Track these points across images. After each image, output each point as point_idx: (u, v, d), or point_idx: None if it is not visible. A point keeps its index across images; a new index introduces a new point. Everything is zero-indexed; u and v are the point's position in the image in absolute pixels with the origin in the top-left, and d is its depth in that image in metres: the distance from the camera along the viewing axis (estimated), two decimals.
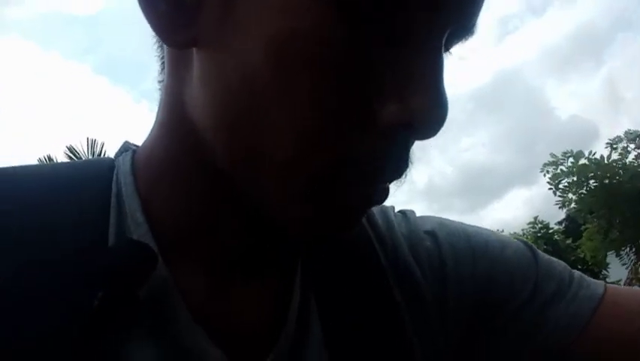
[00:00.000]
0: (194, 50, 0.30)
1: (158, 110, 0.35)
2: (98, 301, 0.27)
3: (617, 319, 0.40)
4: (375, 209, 0.43)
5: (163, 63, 0.34)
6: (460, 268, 0.41)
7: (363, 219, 0.40)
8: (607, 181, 12.87)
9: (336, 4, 0.25)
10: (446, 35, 0.28)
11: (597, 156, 13.27)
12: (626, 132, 13.37)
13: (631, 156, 13.10)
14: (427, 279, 0.41)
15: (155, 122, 0.35)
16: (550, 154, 13.16)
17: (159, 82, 0.35)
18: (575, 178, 13.29)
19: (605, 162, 13.28)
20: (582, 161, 13.12)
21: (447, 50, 0.30)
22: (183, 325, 0.31)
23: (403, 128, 0.27)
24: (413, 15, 0.26)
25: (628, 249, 12.82)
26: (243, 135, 0.28)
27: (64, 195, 0.31)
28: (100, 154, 11.34)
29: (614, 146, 13.44)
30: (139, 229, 0.32)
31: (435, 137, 0.28)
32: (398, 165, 0.30)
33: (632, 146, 13.08)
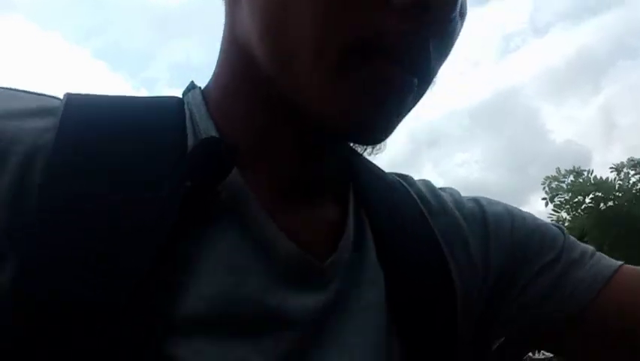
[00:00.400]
0: None
1: (221, 43, 0.40)
2: (186, 190, 0.31)
3: (632, 287, 0.45)
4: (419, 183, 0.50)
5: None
6: (499, 224, 0.48)
7: (405, 184, 0.47)
8: (602, 203, 12.77)
9: None
10: None
11: (597, 176, 13.21)
12: (628, 160, 13.35)
13: (631, 181, 13.06)
14: (472, 231, 0.47)
15: (218, 55, 0.40)
16: (556, 169, 13.15)
17: None
18: (571, 195, 13.21)
19: (609, 182, 13.21)
20: (580, 180, 13.07)
21: None
22: (259, 220, 0.35)
23: (418, 8, 0.30)
24: None
25: None
26: (276, 36, 0.33)
27: (147, 118, 0.36)
28: None
29: (619, 171, 13.43)
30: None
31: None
32: (419, 54, 0.32)
33: (633, 172, 13.05)
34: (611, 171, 13.21)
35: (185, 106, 0.38)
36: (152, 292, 0.30)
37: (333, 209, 0.41)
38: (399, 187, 0.47)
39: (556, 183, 13.00)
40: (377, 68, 0.32)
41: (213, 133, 0.37)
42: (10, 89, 0.34)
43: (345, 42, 0.31)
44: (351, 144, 0.41)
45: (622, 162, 13.26)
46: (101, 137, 0.33)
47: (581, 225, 12.78)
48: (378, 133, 0.35)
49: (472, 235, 0.47)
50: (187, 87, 0.41)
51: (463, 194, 0.51)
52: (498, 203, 0.51)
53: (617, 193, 12.50)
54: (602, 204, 12.50)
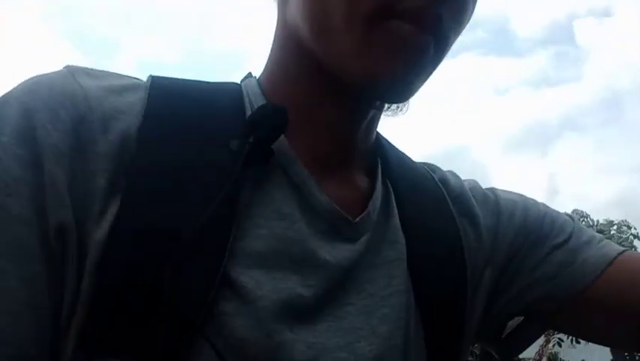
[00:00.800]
0: None
1: (273, 37, 0.48)
2: (248, 145, 0.39)
3: (632, 269, 0.50)
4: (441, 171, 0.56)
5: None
6: (511, 207, 0.54)
7: (428, 169, 0.55)
8: None
9: None
10: None
11: None
12: (573, 211, 13.72)
13: None
14: (483, 210, 0.53)
15: (270, 50, 0.48)
16: None
17: None
18: None
19: None
20: None
21: None
22: (302, 178, 0.43)
23: None
24: None
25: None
26: (314, 11, 0.41)
27: (214, 95, 0.44)
28: None
29: None
30: None
31: None
32: (433, 16, 0.38)
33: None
34: None
35: (243, 88, 0.46)
36: (221, 226, 0.37)
37: (363, 178, 0.48)
38: (421, 169, 0.54)
39: None
40: (397, 28, 0.38)
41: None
42: (104, 71, 0.42)
43: (368, 8, 0.38)
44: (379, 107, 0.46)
45: (566, 213, 13.67)
46: (179, 107, 0.41)
47: None
48: (401, 90, 0.41)
49: (482, 214, 0.53)
50: (245, 76, 0.49)
51: None
52: (512, 192, 0.57)
53: None
54: None
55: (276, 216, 0.41)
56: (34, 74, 0.39)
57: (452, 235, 0.50)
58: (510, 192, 0.57)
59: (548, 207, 0.56)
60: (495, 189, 0.57)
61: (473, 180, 0.58)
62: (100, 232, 0.35)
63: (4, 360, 0.32)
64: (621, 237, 12.81)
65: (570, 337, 13.76)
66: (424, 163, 0.57)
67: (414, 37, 0.38)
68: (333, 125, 0.45)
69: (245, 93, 0.45)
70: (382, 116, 0.49)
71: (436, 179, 0.54)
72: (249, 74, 0.49)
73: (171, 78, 0.44)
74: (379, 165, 0.50)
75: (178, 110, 0.40)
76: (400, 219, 0.48)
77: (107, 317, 0.34)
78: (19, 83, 0.38)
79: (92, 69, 0.41)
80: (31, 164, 0.34)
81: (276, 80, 0.46)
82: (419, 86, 0.42)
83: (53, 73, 0.39)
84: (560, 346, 13.40)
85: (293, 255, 0.40)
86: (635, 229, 12.49)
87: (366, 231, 0.45)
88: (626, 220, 12.55)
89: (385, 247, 0.46)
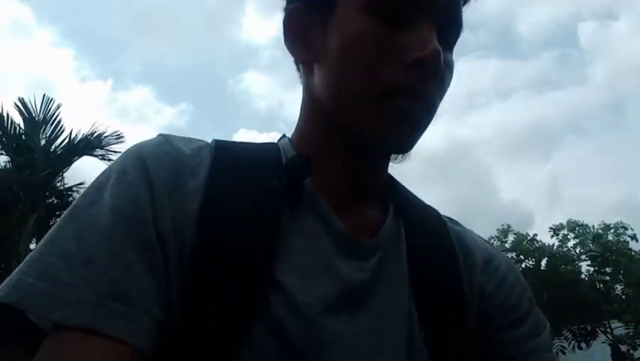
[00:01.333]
0: (315, 65, 0.59)
1: (300, 108, 0.64)
2: (281, 185, 0.54)
3: None
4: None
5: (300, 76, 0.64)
6: (500, 270, 0.65)
7: (444, 219, 0.68)
8: (544, 262, 13.00)
9: (375, 17, 0.53)
10: (439, 24, 0.54)
11: (538, 238, 13.47)
12: (568, 221, 13.67)
13: (569, 244, 13.33)
14: (478, 266, 0.64)
15: (299, 118, 0.64)
16: (497, 230, 13.39)
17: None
18: (514, 255, 13.40)
19: (547, 246, 13.46)
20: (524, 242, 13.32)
21: (446, 44, 0.56)
22: (324, 208, 0.57)
23: (417, 64, 0.52)
24: (417, 13, 0.53)
25: (554, 331, 12.77)
26: (335, 87, 0.56)
27: (259, 152, 0.60)
28: (53, 115, 11.18)
29: (557, 232, 13.69)
30: None
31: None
32: (422, 92, 0.53)
33: (572, 235, 13.33)
34: (550, 234, 13.50)
35: (280, 145, 0.62)
36: (268, 241, 0.52)
37: (376, 213, 0.61)
38: (430, 209, 0.67)
39: (499, 243, 13.20)
40: (399, 101, 0.53)
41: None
42: (185, 138, 0.58)
43: (379, 88, 0.53)
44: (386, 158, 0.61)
45: (561, 224, 13.62)
46: (234, 162, 0.56)
47: None
48: (405, 144, 0.56)
49: (476, 263, 0.64)
50: (280, 137, 0.65)
51: None
52: (509, 259, 0.68)
53: (555, 253, 12.74)
54: (542, 262, 12.73)
55: (306, 237, 0.55)
56: (137, 142, 0.56)
57: (451, 262, 0.62)
58: (508, 259, 0.69)
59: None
60: (495, 249, 0.69)
61: (508, 260, 0.69)
62: (191, 235, 0.50)
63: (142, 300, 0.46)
64: (618, 240, 12.83)
65: (572, 344, 13.61)
66: (446, 216, 0.70)
67: (412, 108, 0.53)
68: (348, 171, 0.59)
69: (281, 149, 0.61)
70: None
71: (446, 222, 0.67)
72: (284, 135, 0.65)
73: (229, 141, 0.60)
74: (391, 204, 0.63)
75: (233, 164, 0.55)
76: (407, 246, 0.60)
77: (199, 282, 0.49)
78: (129, 148, 0.55)
79: (178, 136, 0.58)
80: (147, 189, 0.50)
81: (303, 137, 0.62)
82: (418, 139, 0.57)
83: (153, 138, 0.56)
84: (564, 353, 13.31)
85: (318, 266, 0.54)
86: (632, 230, 12.52)
87: (376, 252, 0.58)
88: (621, 222, 12.59)
89: (392, 267, 0.58)
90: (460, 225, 0.68)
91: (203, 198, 0.51)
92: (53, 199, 11.13)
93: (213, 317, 0.47)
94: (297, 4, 0.59)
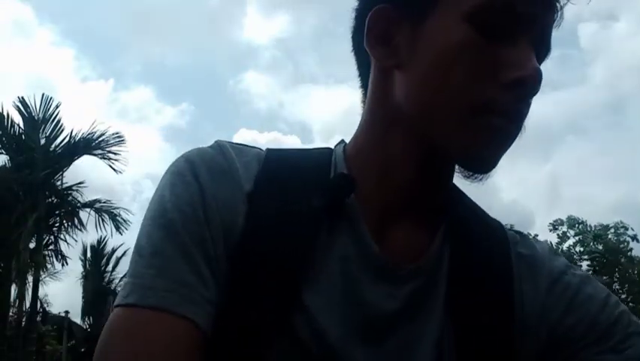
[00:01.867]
0: (395, 71, 0.55)
1: (364, 114, 0.60)
2: (321, 203, 0.54)
3: None
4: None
5: (365, 87, 0.60)
6: (589, 299, 0.56)
7: (506, 230, 0.62)
8: None
9: (476, 28, 0.51)
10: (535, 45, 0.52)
11: (533, 235, 13.47)
12: (567, 218, 13.66)
13: (569, 242, 13.32)
14: (541, 289, 0.57)
15: (361, 124, 0.60)
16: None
17: (362, 102, 0.62)
18: None
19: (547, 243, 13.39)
20: None
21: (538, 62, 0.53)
22: (363, 231, 0.54)
23: (517, 84, 0.49)
24: (518, 31, 0.51)
25: None
26: (429, 99, 0.53)
27: (308, 161, 0.59)
28: (52, 114, 11.18)
29: (556, 227, 13.68)
30: None
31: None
32: (519, 112, 0.52)
33: (572, 232, 13.32)
34: (550, 230, 13.48)
35: (333, 153, 0.59)
36: (299, 262, 0.52)
37: (427, 231, 0.57)
38: (492, 226, 0.62)
39: None
40: (492, 120, 0.50)
41: (344, 171, 0.57)
42: (239, 146, 0.59)
43: (472, 104, 0.50)
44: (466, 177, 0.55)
45: (560, 220, 13.59)
46: (280, 172, 0.57)
47: None
48: (490, 165, 0.53)
49: (539, 287, 0.57)
50: (339, 142, 0.62)
51: None
52: (597, 282, 0.59)
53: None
54: None
55: (339, 258, 0.54)
56: (193, 149, 0.58)
57: (502, 290, 0.56)
58: (595, 281, 0.61)
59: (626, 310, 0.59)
60: (582, 273, 0.61)
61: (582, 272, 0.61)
62: (234, 244, 0.52)
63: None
64: (618, 240, 12.83)
65: None
66: (514, 230, 0.63)
67: (503, 128, 0.51)
68: (405, 188, 0.56)
69: (333, 159, 0.59)
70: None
71: (509, 243, 0.60)
72: (342, 141, 0.63)
73: (281, 149, 0.60)
74: (444, 223, 0.58)
75: (279, 178, 0.57)
76: (450, 274, 0.56)
77: (240, 280, 0.51)
78: (186, 152, 0.57)
79: (233, 145, 0.60)
80: (199, 193, 0.53)
81: (360, 147, 0.59)
82: (500, 159, 0.55)
83: (209, 146, 0.59)
84: None
85: (345, 291, 0.53)
86: (632, 230, 12.50)
87: (414, 278, 0.54)
88: (621, 222, 12.56)
89: (429, 296, 0.55)
90: (530, 241, 0.62)
91: (248, 211, 0.53)
92: (53, 198, 11.13)
93: (241, 325, 0.50)
94: (384, 5, 0.55)
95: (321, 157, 0.60)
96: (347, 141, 0.62)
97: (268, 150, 0.60)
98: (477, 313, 0.55)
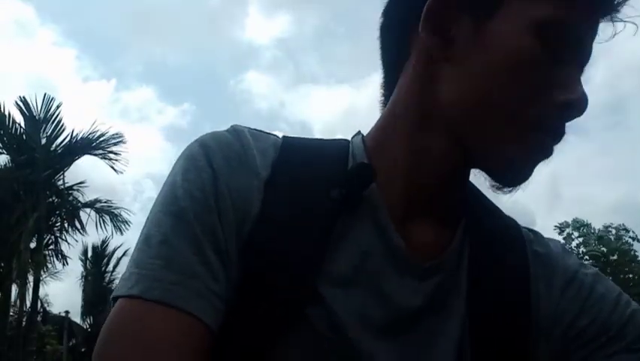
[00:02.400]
0: (445, 65, 0.52)
1: (393, 106, 0.56)
2: (340, 193, 0.51)
3: None
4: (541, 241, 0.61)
5: (391, 80, 0.58)
6: (602, 298, 0.56)
7: (522, 229, 0.61)
8: None
9: (542, 42, 0.49)
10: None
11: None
12: (573, 220, 13.68)
13: (574, 243, 13.33)
14: (556, 290, 0.57)
15: (385, 116, 0.57)
16: None
17: (383, 96, 0.59)
18: None
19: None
20: None
21: None
22: (385, 221, 0.52)
23: (566, 107, 0.50)
24: (574, 51, 0.51)
25: None
26: (481, 108, 0.51)
27: (323, 153, 0.56)
28: (53, 114, 11.17)
29: (562, 230, 13.69)
30: None
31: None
32: (562, 132, 0.51)
33: (577, 234, 13.33)
34: (555, 231, 13.49)
35: (350, 144, 0.57)
36: (316, 252, 0.50)
37: (444, 229, 0.55)
38: (509, 225, 0.60)
39: None
40: (543, 137, 0.50)
41: (365, 160, 0.54)
42: (257, 132, 0.56)
43: (526, 119, 0.50)
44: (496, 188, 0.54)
45: (566, 222, 13.61)
46: (297, 160, 0.54)
47: None
48: (525, 180, 0.53)
49: (554, 287, 0.57)
50: (355, 133, 0.59)
51: None
52: (611, 282, 0.60)
53: None
54: None
55: (358, 250, 0.51)
56: (210, 133, 0.55)
57: (520, 289, 0.56)
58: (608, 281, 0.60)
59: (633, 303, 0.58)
60: (597, 272, 0.60)
61: (593, 269, 0.61)
62: (249, 233, 0.50)
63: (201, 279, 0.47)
64: (620, 241, 12.87)
65: None
66: (527, 228, 0.63)
67: (548, 146, 0.51)
68: (431, 185, 0.54)
69: (350, 149, 0.56)
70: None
71: (525, 241, 0.59)
72: (359, 132, 0.60)
73: (297, 138, 0.58)
74: (463, 220, 0.57)
75: (296, 166, 0.54)
76: (470, 272, 0.55)
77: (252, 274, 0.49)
78: (202, 136, 0.54)
79: (250, 130, 0.57)
80: (211, 179, 0.51)
81: (385, 139, 0.56)
82: None
83: (225, 130, 0.56)
84: None
85: (367, 284, 0.51)
86: (633, 232, 12.56)
87: (436, 274, 0.53)
88: (623, 224, 12.62)
89: (450, 294, 0.54)
90: (544, 240, 0.61)
91: (263, 199, 0.51)
92: (54, 198, 11.12)
93: (255, 316, 0.48)
94: None
95: (339, 147, 0.57)
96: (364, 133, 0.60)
97: (285, 137, 0.57)
98: (496, 313, 0.54)
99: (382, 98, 0.60)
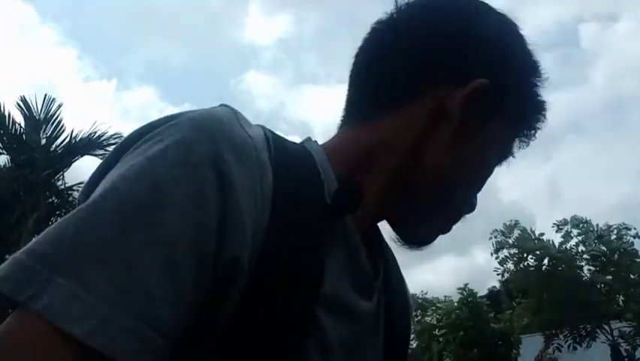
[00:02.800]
0: (454, 137, 0.57)
1: (374, 137, 0.57)
2: (333, 211, 0.51)
3: None
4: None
5: (367, 107, 0.59)
6: (408, 303, 0.69)
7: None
8: (546, 261, 12.93)
9: (499, 158, 0.62)
10: None
11: (538, 234, 13.38)
12: (572, 218, 13.61)
13: (573, 242, 13.27)
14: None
15: (362, 141, 0.57)
16: (504, 224, 13.32)
17: (362, 117, 0.59)
18: (517, 251, 13.31)
19: (549, 242, 13.34)
20: (526, 235, 13.21)
21: None
22: (357, 245, 0.55)
23: (472, 209, 0.63)
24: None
25: (554, 331, 12.73)
26: (445, 190, 0.58)
27: (302, 157, 0.53)
28: (53, 114, 11.16)
29: (560, 227, 13.62)
30: (333, 185, 0.54)
31: None
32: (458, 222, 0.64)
33: (576, 232, 13.27)
34: (553, 228, 13.44)
35: (314, 156, 0.54)
36: (321, 267, 0.48)
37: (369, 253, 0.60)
38: (392, 254, 0.68)
39: (502, 237, 13.13)
40: (449, 227, 0.63)
41: (332, 176, 0.54)
42: (247, 120, 0.50)
43: (454, 213, 0.62)
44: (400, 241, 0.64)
45: (564, 219, 13.57)
46: (292, 169, 0.50)
47: (524, 281, 12.97)
48: (427, 246, 0.63)
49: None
50: (305, 140, 0.59)
51: None
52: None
53: (558, 253, 12.68)
54: (544, 262, 12.68)
55: (337, 270, 0.52)
56: (199, 111, 0.45)
57: (406, 303, 0.67)
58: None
59: None
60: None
61: None
62: (258, 247, 0.44)
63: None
64: (622, 240, 12.80)
65: (568, 342, 13.68)
66: None
67: (449, 230, 0.63)
68: (372, 210, 0.58)
69: (317, 159, 0.54)
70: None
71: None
72: (309, 138, 0.59)
73: (278, 138, 0.53)
74: (380, 242, 0.65)
75: (291, 172, 0.49)
76: (384, 284, 0.62)
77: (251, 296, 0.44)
78: (197, 118, 0.44)
79: (242, 117, 0.49)
80: (219, 189, 0.41)
81: (354, 166, 0.56)
82: None
83: (222, 113, 0.47)
84: (560, 351, 13.32)
85: (341, 301, 0.53)
86: (634, 229, 12.49)
87: (376, 292, 0.59)
88: (624, 223, 12.56)
89: (381, 308, 0.60)
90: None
91: (271, 210, 0.45)
92: (54, 198, 11.12)
93: (260, 330, 0.44)
94: (488, 81, 0.55)
95: (305, 153, 0.55)
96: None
97: (265, 129, 0.52)
98: (400, 332, 0.64)
99: (345, 112, 0.60)
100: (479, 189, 0.61)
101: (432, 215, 0.59)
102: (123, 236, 0.37)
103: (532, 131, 0.61)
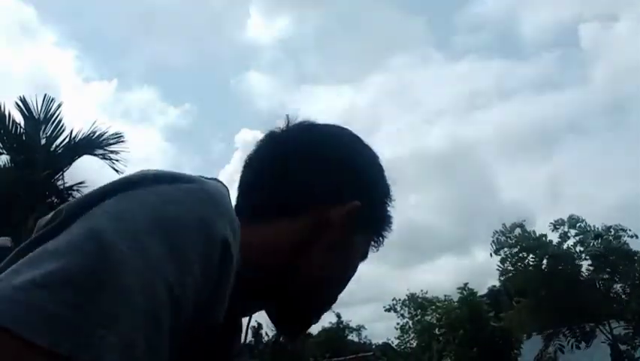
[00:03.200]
0: (323, 243, 0.72)
1: (269, 234, 0.70)
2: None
3: None
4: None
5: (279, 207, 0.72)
6: None
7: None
8: (545, 260, 12.93)
9: (361, 260, 0.79)
10: None
11: (539, 235, 13.39)
12: (569, 217, 13.62)
13: (570, 242, 13.29)
14: None
15: (257, 238, 0.67)
16: (503, 225, 13.33)
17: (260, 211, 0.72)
18: (516, 250, 13.32)
19: (547, 241, 13.34)
20: (526, 234, 13.21)
21: None
22: (242, 328, 0.73)
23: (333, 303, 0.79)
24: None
25: (554, 330, 12.73)
26: (316, 290, 0.72)
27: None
28: (53, 114, 11.17)
29: (557, 227, 13.63)
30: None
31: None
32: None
33: (573, 232, 13.28)
34: (550, 228, 13.46)
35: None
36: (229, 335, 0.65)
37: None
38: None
39: (503, 237, 13.15)
40: (315, 320, 0.77)
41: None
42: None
43: (320, 312, 0.77)
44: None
45: (561, 219, 13.58)
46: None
47: (524, 279, 12.98)
48: (296, 338, 0.79)
49: None
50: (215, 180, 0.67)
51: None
52: None
53: (557, 251, 12.70)
54: (543, 261, 12.70)
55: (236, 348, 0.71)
56: (208, 189, 0.56)
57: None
58: None
59: None
60: None
61: None
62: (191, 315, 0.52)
63: None
64: (619, 241, 12.84)
65: (570, 342, 13.62)
66: None
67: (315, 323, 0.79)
68: (252, 299, 0.72)
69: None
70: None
71: None
72: (216, 179, 0.66)
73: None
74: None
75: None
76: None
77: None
78: (216, 201, 0.56)
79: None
80: (206, 260, 0.52)
81: (246, 252, 0.62)
82: None
83: (225, 199, 0.58)
84: (563, 352, 13.22)
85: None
86: (630, 230, 12.53)
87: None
88: (619, 224, 12.60)
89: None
90: None
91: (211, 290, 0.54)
92: (53, 198, 11.12)
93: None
94: (359, 202, 0.71)
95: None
96: None
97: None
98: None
99: (237, 205, 0.72)
100: (345, 287, 0.76)
101: (305, 312, 0.74)
102: (150, 285, 0.49)
103: (384, 239, 0.80)
